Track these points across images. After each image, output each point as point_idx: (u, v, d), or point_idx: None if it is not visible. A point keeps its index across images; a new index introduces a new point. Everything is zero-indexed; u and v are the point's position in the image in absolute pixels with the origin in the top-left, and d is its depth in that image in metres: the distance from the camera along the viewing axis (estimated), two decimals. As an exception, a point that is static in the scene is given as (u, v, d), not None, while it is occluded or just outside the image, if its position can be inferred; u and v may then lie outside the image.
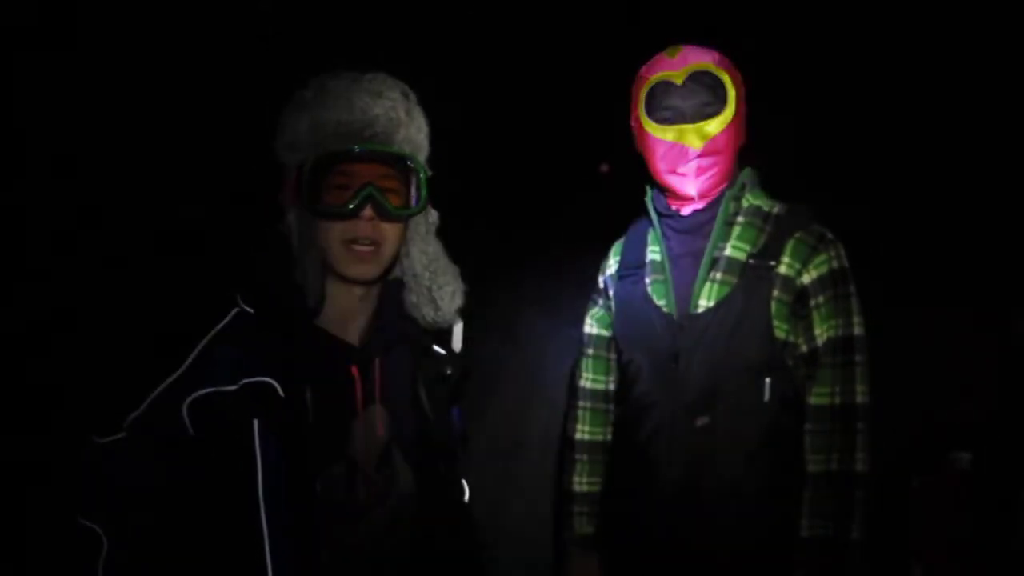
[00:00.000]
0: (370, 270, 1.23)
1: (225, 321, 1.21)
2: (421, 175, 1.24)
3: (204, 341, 1.19)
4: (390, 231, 1.23)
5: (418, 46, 2.29)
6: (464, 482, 1.45)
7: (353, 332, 1.28)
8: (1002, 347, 2.31)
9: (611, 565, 1.78)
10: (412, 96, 1.27)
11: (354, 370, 1.25)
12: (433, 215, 1.33)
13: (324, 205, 1.19)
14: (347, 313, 1.27)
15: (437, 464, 1.35)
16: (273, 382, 1.14)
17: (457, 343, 1.40)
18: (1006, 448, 2.13)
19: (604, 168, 2.69)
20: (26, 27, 1.91)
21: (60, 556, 1.24)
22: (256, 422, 1.13)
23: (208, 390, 1.14)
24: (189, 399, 1.15)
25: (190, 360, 1.18)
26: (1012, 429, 2.12)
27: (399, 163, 1.23)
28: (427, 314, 1.32)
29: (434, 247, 1.33)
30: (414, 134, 1.25)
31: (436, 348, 1.38)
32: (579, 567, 1.80)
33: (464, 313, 1.36)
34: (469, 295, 1.35)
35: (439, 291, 1.31)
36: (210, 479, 1.15)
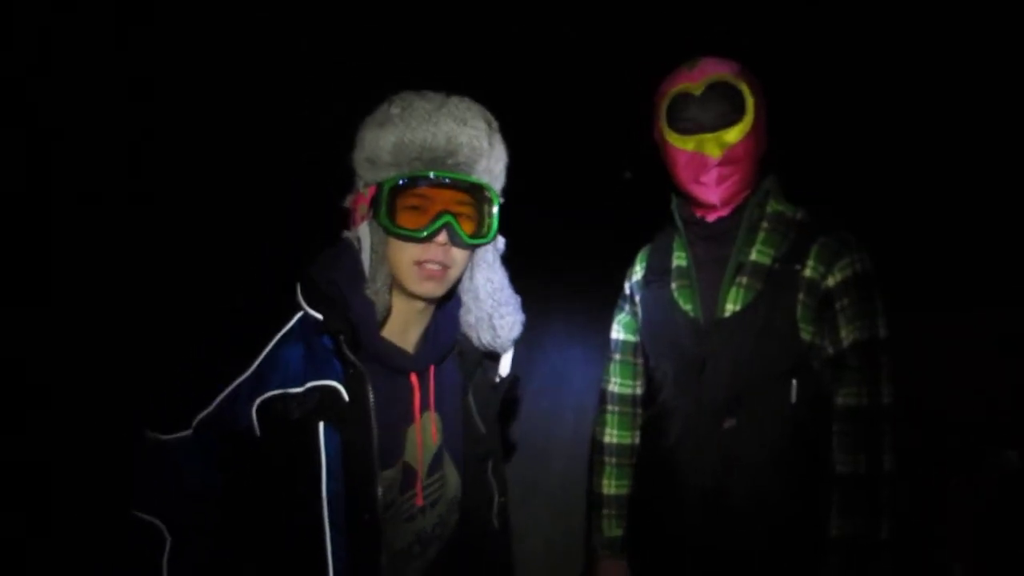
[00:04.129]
0: (437, 288, 1.26)
1: (291, 324, 1.24)
2: (495, 205, 1.27)
3: (271, 343, 1.22)
4: (459, 255, 1.26)
5: (444, 59, 2.34)
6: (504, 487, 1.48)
7: (410, 341, 1.31)
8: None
9: (639, 568, 1.80)
10: (495, 125, 1.29)
11: (413, 378, 1.29)
12: (500, 242, 1.35)
13: (400, 226, 1.21)
14: (407, 324, 1.30)
15: (484, 470, 1.38)
16: (338, 386, 1.17)
17: (505, 369, 1.42)
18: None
19: (627, 176, 2.71)
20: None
21: (114, 548, 1.27)
22: (321, 424, 1.16)
23: (276, 392, 1.17)
24: (258, 400, 1.17)
25: (258, 362, 1.20)
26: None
27: (476, 191, 1.25)
28: (484, 337, 1.35)
29: (499, 276, 1.35)
30: (493, 164, 1.27)
31: (486, 360, 1.40)
32: (608, 570, 1.82)
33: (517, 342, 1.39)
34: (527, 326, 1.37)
35: (500, 320, 1.34)
36: (275, 478, 1.17)
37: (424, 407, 1.31)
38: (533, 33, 2.68)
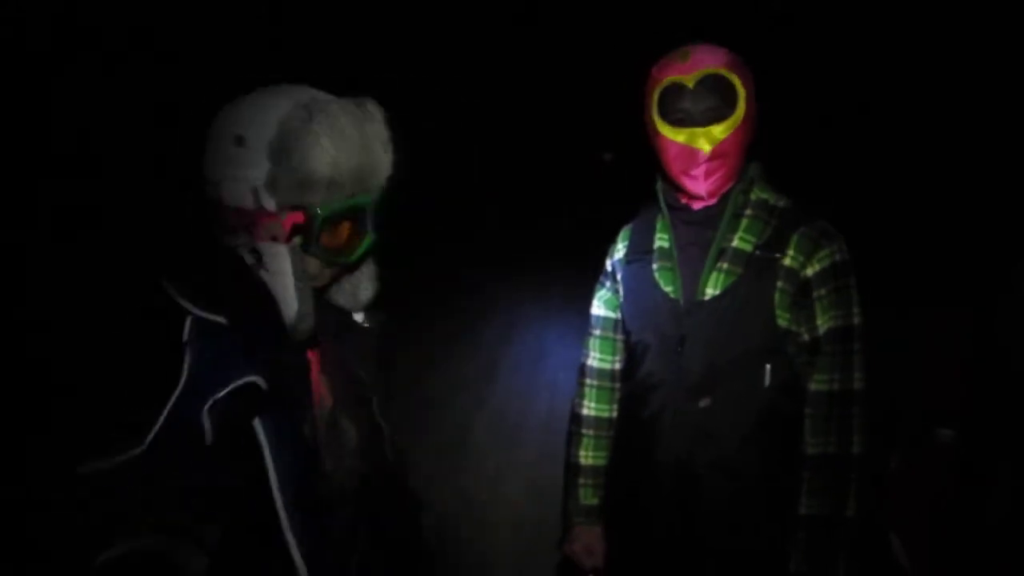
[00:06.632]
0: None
1: (188, 331, 1.17)
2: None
3: (192, 351, 1.16)
4: None
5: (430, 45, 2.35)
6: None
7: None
8: (979, 337, 2.42)
9: (614, 537, 1.86)
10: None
11: (310, 354, 1.31)
12: None
13: (327, 249, 1.23)
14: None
15: (372, 412, 1.42)
16: (258, 379, 1.17)
17: (359, 318, 1.45)
18: (985, 427, 2.24)
19: (607, 157, 2.76)
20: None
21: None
22: (257, 420, 1.17)
23: (217, 395, 1.15)
24: (207, 404, 1.14)
25: (189, 369, 1.15)
26: (990, 410, 2.23)
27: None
28: (340, 300, 1.38)
29: None
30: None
31: (355, 317, 1.43)
32: (583, 536, 1.88)
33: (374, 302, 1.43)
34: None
35: (364, 292, 1.38)
36: (230, 480, 1.16)
37: (317, 371, 1.34)
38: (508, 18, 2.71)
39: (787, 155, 2.36)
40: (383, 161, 1.24)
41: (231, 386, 1.15)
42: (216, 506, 1.17)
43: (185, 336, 1.16)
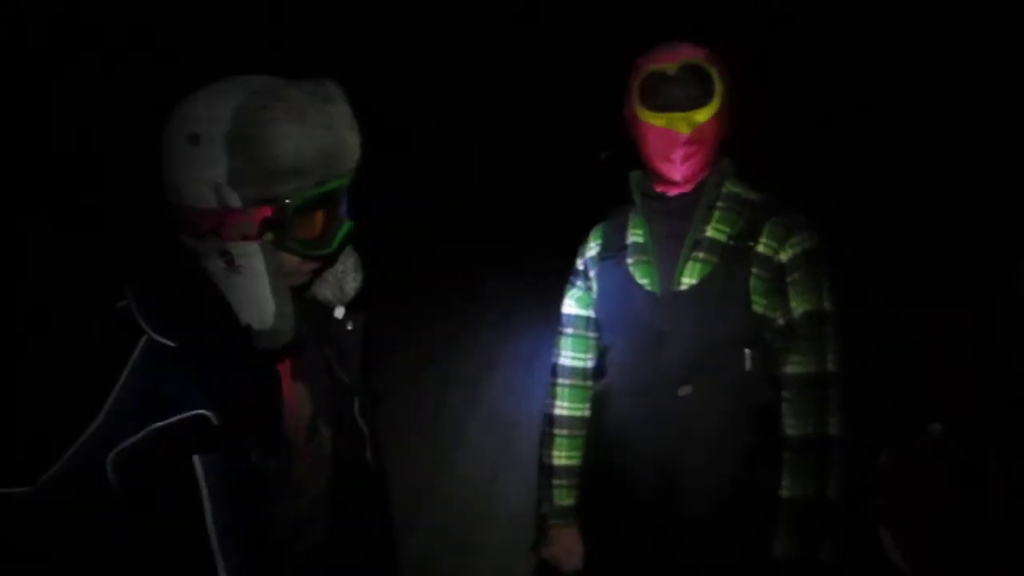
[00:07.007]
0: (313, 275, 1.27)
1: (136, 356, 1.09)
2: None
3: (121, 381, 1.07)
4: None
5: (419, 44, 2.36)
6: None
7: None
8: (978, 337, 2.43)
9: (593, 537, 1.85)
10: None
11: (281, 366, 1.23)
12: None
13: (304, 241, 1.16)
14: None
15: (352, 413, 1.36)
16: (207, 412, 1.07)
17: (339, 314, 1.38)
18: (984, 426, 2.25)
19: (605, 157, 2.77)
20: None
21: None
22: (198, 458, 1.07)
23: (139, 436, 1.06)
24: (116, 449, 1.05)
25: (110, 406, 1.06)
26: (989, 410, 2.24)
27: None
28: (327, 293, 1.33)
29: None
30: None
31: (335, 314, 1.36)
32: (561, 538, 1.87)
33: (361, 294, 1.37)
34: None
35: (351, 283, 1.33)
36: (148, 530, 1.06)
37: (292, 379, 1.27)
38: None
39: (786, 154, 2.38)
40: (351, 142, 1.16)
41: (173, 419, 1.06)
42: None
43: (132, 358, 1.08)
